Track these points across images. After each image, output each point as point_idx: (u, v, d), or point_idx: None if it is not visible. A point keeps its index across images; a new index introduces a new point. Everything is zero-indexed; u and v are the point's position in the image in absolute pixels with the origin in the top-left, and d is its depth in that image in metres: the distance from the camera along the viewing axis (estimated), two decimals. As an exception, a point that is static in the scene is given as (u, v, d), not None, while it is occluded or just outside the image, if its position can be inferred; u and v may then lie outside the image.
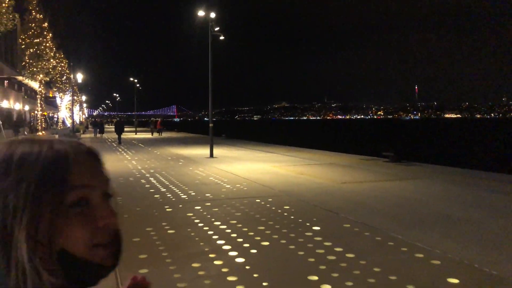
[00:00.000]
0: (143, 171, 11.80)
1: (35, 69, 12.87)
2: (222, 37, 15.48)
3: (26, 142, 0.57)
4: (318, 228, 5.83)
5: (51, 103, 48.14)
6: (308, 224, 6.03)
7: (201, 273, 4.18)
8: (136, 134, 38.97)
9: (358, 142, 36.62)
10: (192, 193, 8.28)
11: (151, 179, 10.22)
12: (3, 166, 0.54)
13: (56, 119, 46.57)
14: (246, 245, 5.06)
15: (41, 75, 13.23)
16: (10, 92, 31.41)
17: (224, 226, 5.84)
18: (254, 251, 4.86)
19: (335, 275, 4.15)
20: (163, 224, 5.95)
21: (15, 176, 0.53)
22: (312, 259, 4.60)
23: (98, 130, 29.18)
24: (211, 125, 15.82)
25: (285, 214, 6.62)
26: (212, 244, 5.09)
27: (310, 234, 5.54)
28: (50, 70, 13.62)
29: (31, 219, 0.52)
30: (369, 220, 6.28)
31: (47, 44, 12.98)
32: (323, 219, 6.36)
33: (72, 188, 0.55)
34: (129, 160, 15.05)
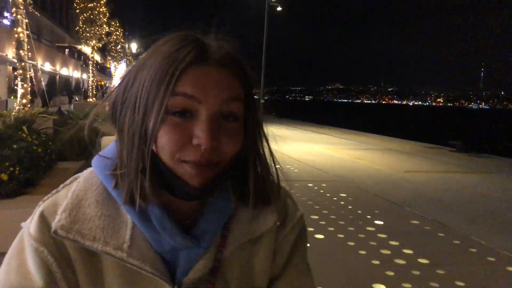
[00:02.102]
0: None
1: (88, 34, 12.80)
2: (279, 8, 14.54)
3: (170, 41, 0.60)
4: (381, 222, 5.00)
5: (105, 72, 49.68)
6: (369, 217, 5.21)
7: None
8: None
9: (420, 129, 34.38)
10: (239, 172, 7.68)
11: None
12: (145, 57, 0.61)
13: (106, 87, 48.41)
14: (297, 236, 4.36)
15: (93, 41, 13.14)
16: (69, 61, 32.46)
17: (273, 212, 5.17)
18: (306, 245, 4.15)
19: (407, 286, 3.35)
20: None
21: (145, 70, 0.59)
22: (377, 262, 3.81)
23: None
24: (262, 101, 15.11)
25: (342, 203, 5.83)
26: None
27: (372, 229, 4.73)
28: (103, 36, 13.51)
29: (143, 114, 0.57)
30: (441, 217, 5.34)
31: (101, 9, 12.80)
32: (386, 212, 5.51)
33: (173, 93, 0.56)
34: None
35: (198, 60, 0.58)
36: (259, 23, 14.68)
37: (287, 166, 8.48)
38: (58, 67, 35.77)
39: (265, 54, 14.64)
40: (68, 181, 0.68)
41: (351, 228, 4.71)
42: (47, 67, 30.86)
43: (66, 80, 34.48)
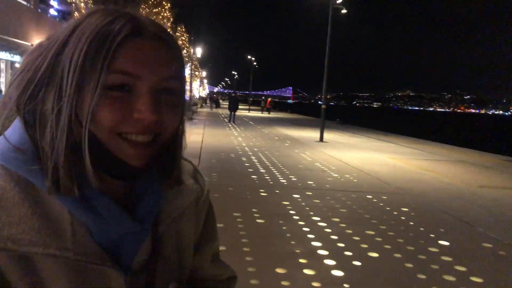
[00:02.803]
0: (246, 148, 11.29)
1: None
2: (344, 10, 14.04)
3: (98, 13, 0.57)
4: (446, 243, 4.44)
5: None
6: (432, 235, 4.66)
7: (285, 283, 3.26)
8: (249, 112, 39.75)
9: (499, 140, 31.50)
10: (293, 178, 7.38)
11: (253, 158, 9.60)
12: (66, 33, 0.56)
13: None
14: (348, 253, 3.98)
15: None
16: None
17: (324, 224, 4.82)
18: (357, 263, 3.76)
19: (474, 323, 2.86)
20: (253, 210, 5.16)
21: (71, 46, 0.55)
22: (438, 290, 3.33)
23: (214, 105, 30.77)
24: (323, 106, 14.64)
25: (403, 218, 5.31)
26: (306, 245, 4.12)
27: (435, 250, 4.21)
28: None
29: (74, 93, 0.54)
30: (521, 242, 4.64)
31: (164, 14, 13.20)
32: (453, 231, 4.90)
33: (111, 71, 0.53)
34: (236, 136, 14.78)
35: (134, 34, 0.55)
36: (325, 31, 14.24)
37: (346, 175, 8.03)
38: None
39: (328, 58, 14.20)
40: None
41: (411, 248, 4.22)
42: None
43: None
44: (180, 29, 26.60)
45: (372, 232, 4.63)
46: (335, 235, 4.44)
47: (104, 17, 0.55)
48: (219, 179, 6.87)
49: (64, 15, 20.30)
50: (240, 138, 13.98)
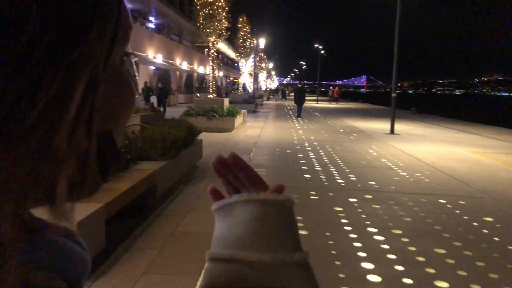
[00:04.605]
0: (306, 143, 10.51)
1: (207, 30, 12.92)
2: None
3: None
4: (546, 270, 3.39)
5: (235, 68, 52.09)
6: (526, 258, 3.62)
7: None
8: (317, 103, 38.89)
9: None
10: (352, 178, 6.52)
11: (311, 153, 8.82)
12: None
13: (231, 84, 50.45)
14: (408, 281, 3.13)
15: (213, 37, 13.20)
16: (207, 60, 34.59)
17: (381, 238, 3.98)
18: (419, 296, 2.92)
19: None
20: (297, 218, 4.46)
21: None
22: None
23: (281, 96, 30.49)
24: (393, 94, 13.29)
25: (485, 231, 4.27)
26: (353, 267, 3.35)
27: (530, 280, 3.20)
28: (223, 31, 13.50)
29: None
30: None
31: (219, 4, 12.78)
32: (556, 252, 3.79)
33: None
34: (297, 129, 14.02)
35: None
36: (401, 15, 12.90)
37: (416, 174, 6.98)
38: (195, 65, 38.72)
39: (397, 43, 12.94)
40: None
41: (494, 276, 3.25)
42: (185, 66, 33.55)
43: (202, 77, 37.17)
44: (242, 20, 26.19)
45: (443, 251, 3.70)
46: (393, 254, 3.60)
47: None
48: (266, 178, 6.19)
49: None
50: (301, 132, 13.21)
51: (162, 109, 12.58)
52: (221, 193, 0.49)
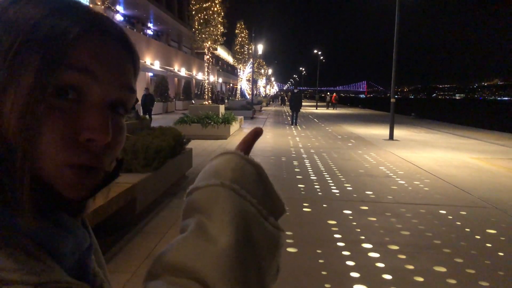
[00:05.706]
0: (302, 150, 10.23)
1: (203, 35, 12.70)
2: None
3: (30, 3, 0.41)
4: (556, 290, 3.10)
5: (235, 74, 52.02)
6: (534, 277, 3.33)
7: None
8: (316, 108, 38.67)
9: None
10: (348, 188, 6.24)
11: (306, 161, 8.54)
12: None
13: (227, 90, 50.13)
14: (405, 305, 2.85)
15: (209, 42, 12.99)
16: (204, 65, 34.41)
17: (376, 255, 3.70)
18: (417, 324, 2.63)
19: None
20: (287, 234, 4.18)
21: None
22: None
23: (280, 102, 30.36)
24: (392, 100, 13.03)
25: (489, 245, 3.99)
26: (346, 288, 3.07)
27: (539, 303, 2.91)
28: (218, 37, 13.28)
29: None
30: None
31: (215, 9, 12.56)
32: None
33: (69, 65, 0.39)
34: (294, 135, 13.75)
35: (93, 29, 0.42)
36: (400, 21, 12.72)
37: (415, 182, 6.70)
38: (194, 72, 38.52)
39: (396, 48, 12.70)
40: None
41: (500, 299, 2.97)
42: (183, 72, 33.34)
43: (200, 83, 36.97)
44: (240, 25, 26.05)
45: (443, 269, 3.41)
46: (389, 273, 3.31)
47: (47, 7, 0.41)
48: (258, 189, 5.96)
49: None
50: (298, 138, 12.94)
51: (147, 117, 12.29)
52: None
